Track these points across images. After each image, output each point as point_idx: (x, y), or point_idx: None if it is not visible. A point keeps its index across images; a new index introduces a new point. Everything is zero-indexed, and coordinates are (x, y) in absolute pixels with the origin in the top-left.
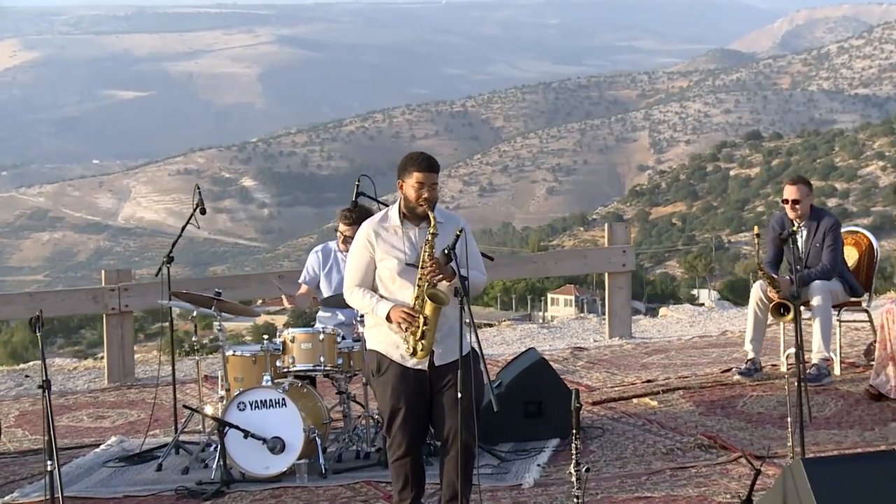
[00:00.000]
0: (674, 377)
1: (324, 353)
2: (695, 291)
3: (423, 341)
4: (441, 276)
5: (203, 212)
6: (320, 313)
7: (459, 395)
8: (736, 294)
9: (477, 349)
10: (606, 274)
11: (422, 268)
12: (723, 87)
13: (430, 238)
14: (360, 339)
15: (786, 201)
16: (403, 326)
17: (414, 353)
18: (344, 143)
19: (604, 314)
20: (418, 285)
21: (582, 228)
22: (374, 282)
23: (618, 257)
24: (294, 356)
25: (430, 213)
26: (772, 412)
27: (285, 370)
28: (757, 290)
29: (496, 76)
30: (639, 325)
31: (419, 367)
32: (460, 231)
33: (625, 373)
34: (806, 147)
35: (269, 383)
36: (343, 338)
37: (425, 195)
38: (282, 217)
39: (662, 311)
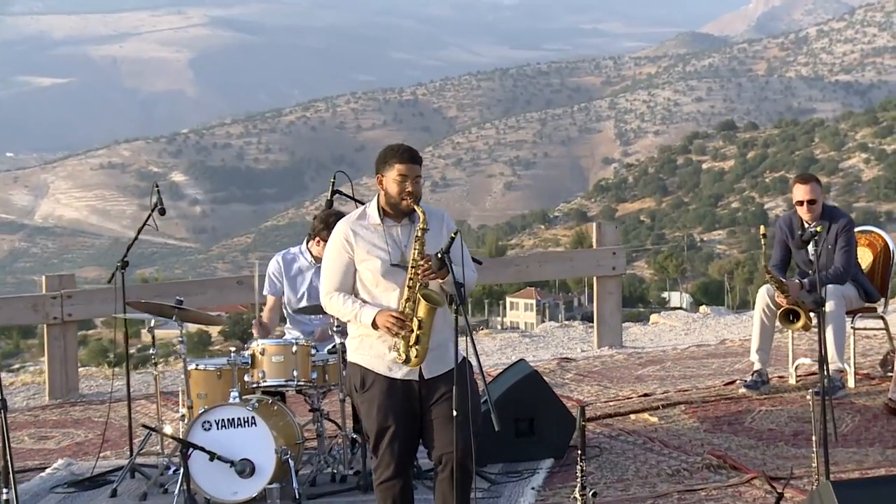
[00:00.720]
0: (673, 391)
1: (297, 366)
2: (665, 294)
3: (417, 347)
4: (434, 274)
5: (162, 212)
6: (288, 323)
7: (455, 410)
8: (710, 297)
9: (475, 360)
10: (595, 279)
11: (413, 266)
12: (694, 73)
13: (419, 234)
14: (335, 350)
15: (800, 203)
16: (393, 332)
17: (407, 361)
18: (283, 134)
19: (579, 320)
20: (409, 286)
21: (543, 227)
22: (355, 286)
23: (607, 260)
24: (264, 370)
25: (416, 207)
26: (784, 429)
27: (255, 385)
28: (763, 296)
29: (448, 61)
30: (629, 334)
31: (408, 378)
32: (455, 233)
33: (618, 386)
34: (784, 138)
35: (237, 400)
36: (316, 349)
37: (409, 189)
38: (216, 215)
39: (654, 317)
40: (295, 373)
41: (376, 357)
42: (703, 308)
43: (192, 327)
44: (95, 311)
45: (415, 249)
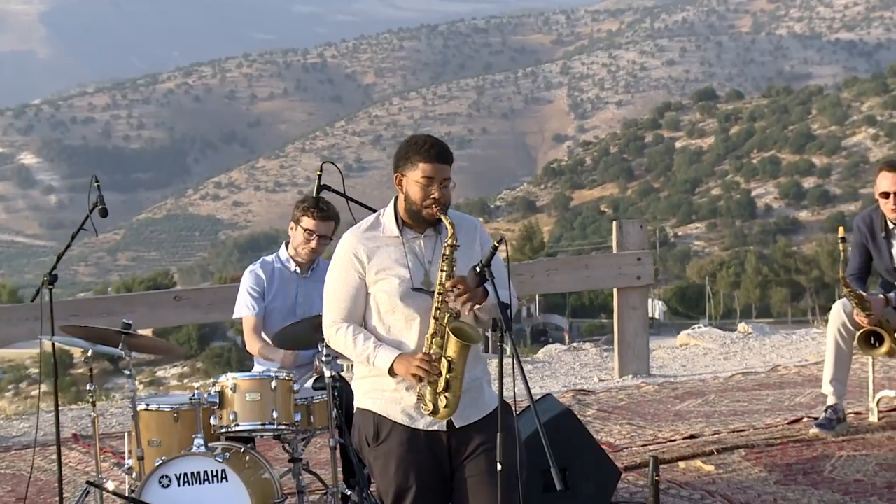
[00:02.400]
0: (725, 431)
1: (277, 406)
2: None
3: (447, 394)
4: (470, 300)
5: (104, 213)
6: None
7: (500, 464)
8: (688, 305)
9: (532, 404)
10: (615, 291)
11: (439, 292)
12: (664, 31)
13: (447, 251)
14: (323, 386)
15: (884, 195)
16: (420, 377)
17: (435, 412)
18: (160, 105)
19: (581, 342)
20: (435, 317)
21: (482, 219)
22: (365, 314)
23: (630, 267)
24: (236, 411)
25: (443, 217)
26: (874, 479)
27: (223, 430)
28: (839, 313)
29: (363, 16)
30: (653, 358)
31: (434, 427)
32: (498, 242)
33: (654, 425)
34: (774, 110)
35: (203, 449)
36: (297, 385)
37: (435, 194)
38: (75, 206)
39: (682, 337)
40: (275, 414)
41: (393, 402)
42: (742, 326)
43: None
44: (8, 336)
45: (441, 272)
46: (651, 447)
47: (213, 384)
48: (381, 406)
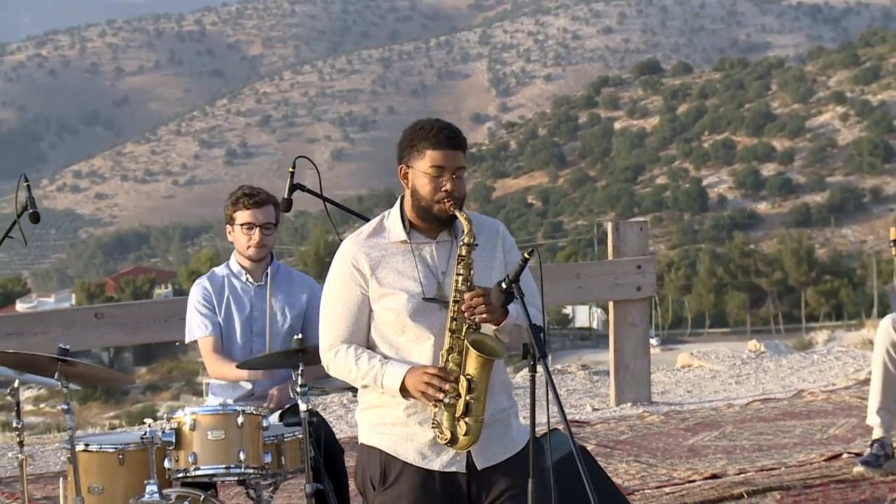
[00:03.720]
0: (752, 470)
1: (244, 445)
2: (568, 310)
3: (467, 419)
4: (488, 312)
5: (36, 219)
6: (213, 381)
7: None
8: None
9: (575, 450)
10: (611, 304)
11: (455, 301)
12: None
13: (463, 251)
14: (297, 421)
15: None
16: (432, 397)
17: (453, 441)
18: (8, 81)
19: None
20: (451, 330)
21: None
22: (369, 335)
23: (629, 276)
24: (196, 452)
25: (458, 213)
26: None
27: (181, 475)
28: (888, 330)
29: None
30: (652, 383)
31: (451, 468)
32: (529, 254)
33: (667, 462)
34: (728, 85)
35: (157, 497)
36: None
37: (447, 186)
38: None
39: (683, 358)
40: (241, 455)
41: (404, 438)
42: (752, 344)
43: None
44: None
45: (457, 275)
46: (668, 489)
47: (168, 419)
48: (389, 443)
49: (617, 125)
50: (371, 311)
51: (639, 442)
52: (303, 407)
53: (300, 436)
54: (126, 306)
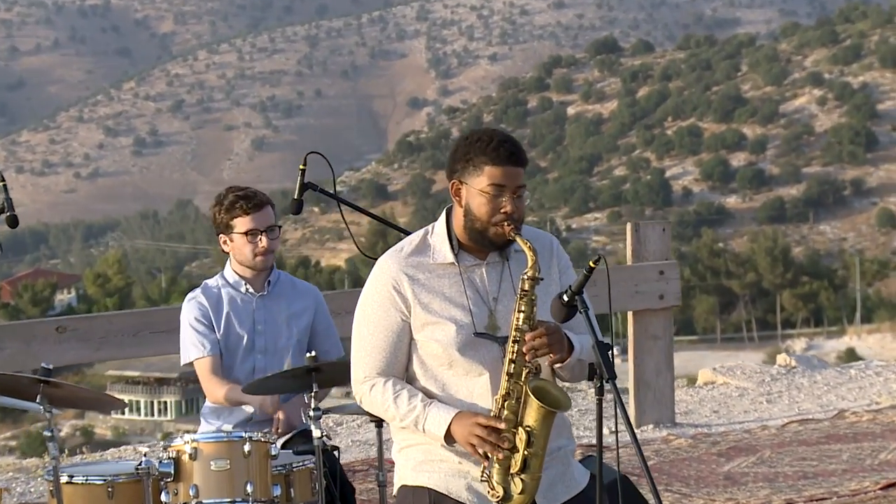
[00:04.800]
0: (801, 500)
1: (251, 476)
2: None
3: (523, 476)
4: (553, 352)
5: (14, 222)
6: (207, 405)
7: None
8: None
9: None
10: (630, 314)
11: (515, 340)
12: None
13: (526, 286)
14: (310, 450)
15: None
16: (482, 451)
17: (506, 499)
18: None
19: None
20: (509, 374)
21: (317, 209)
22: (409, 367)
23: (650, 283)
24: (197, 484)
25: (520, 240)
26: None
27: None
28: None
29: None
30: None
31: None
32: (595, 262)
33: (703, 491)
34: (693, 66)
35: None
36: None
37: (507, 208)
38: None
39: (705, 373)
40: (249, 488)
41: (456, 475)
42: (782, 357)
43: None
44: None
45: (518, 312)
46: None
47: (166, 448)
48: (439, 480)
49: (570, 110)
50: (412, 339)
51: (667, 469)
52: (316, 433)
53: (310, 465)
54: (92, 319)
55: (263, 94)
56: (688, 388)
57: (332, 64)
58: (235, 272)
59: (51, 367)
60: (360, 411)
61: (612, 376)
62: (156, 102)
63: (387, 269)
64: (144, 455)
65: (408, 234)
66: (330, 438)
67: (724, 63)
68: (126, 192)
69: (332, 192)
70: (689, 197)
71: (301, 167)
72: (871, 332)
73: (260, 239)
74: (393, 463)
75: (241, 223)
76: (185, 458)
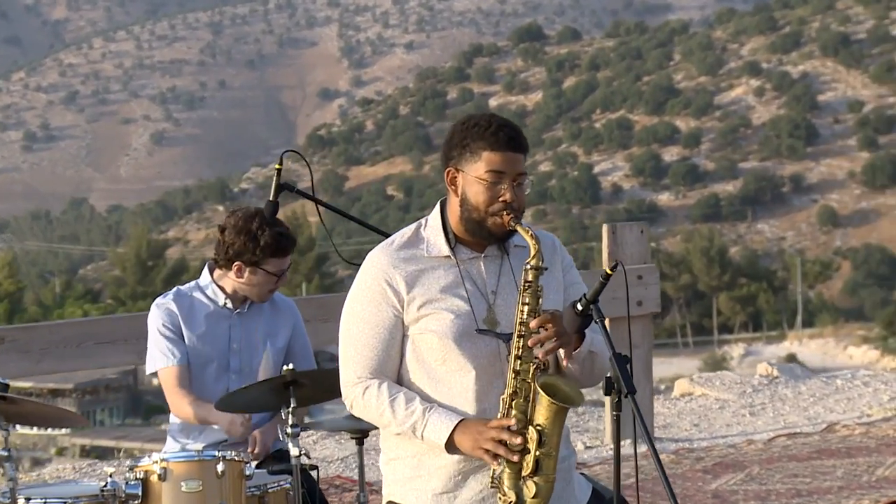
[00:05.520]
0: None
1: (224, 498)
2: None
3: (536, 479)
4: (560, 341)
5: None
6: (172, 422)
7: None
8: None
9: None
10: (607, 321)
11: (520, 334)
12: None
13: (530, 276)
14: (286, 469)
15: None
16: (499, 454)
17: None
18: None
19: None
20: (515, 371)
21: (221, 208)
22: (403, 367)
23: (629, 288)
24: None
25: (520, 230)
26: None
27: None
28: None
29: None
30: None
31: None
32: (613, 267)
33: None
34: (623, 54)
35: None
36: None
37: (506, 196)
38: None
39: (681, 384)
40: None
41: (441, 494)
42: (763, 367)
43: None
44: None
45: (523, 305)
46: None
47: (132, 469)
48: (430, 501)
49: (492, 102)
50: (404, 337)
51: (650, 487)
52: (294, 451)
53: (286, 486)
54: (31, 329)
55: (163, 85)
56: (664, 399)
57: (236, 53)
58: (217, 284)
59: (7, 382)
60: (341, 426)
61: (632, 391)
62: (47, 94)
63: (377, 263)
64: (110, 476)
65: (387, 236)
66: (309, 457)
67: (656, 52)
68: (15, 190)
69: (311, 194)
70: (619, 194)
71: (276, 166)
72: (813, 338)
73: (282, 280)
74: (370, 484)
75: (274, 264)
76: (154, 478)
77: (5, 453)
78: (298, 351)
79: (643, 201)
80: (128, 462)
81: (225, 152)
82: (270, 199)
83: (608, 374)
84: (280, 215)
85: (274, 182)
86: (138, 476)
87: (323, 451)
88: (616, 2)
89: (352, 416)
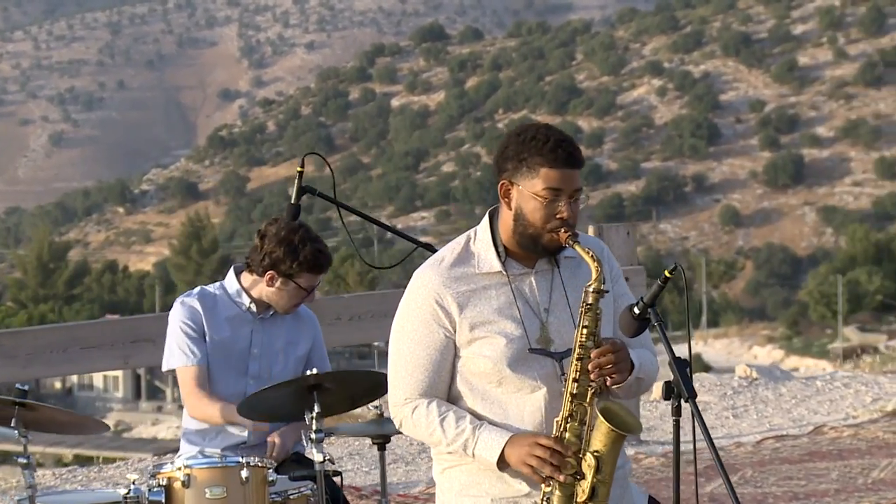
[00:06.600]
0: None
1: (248, 503)
2: None
3: None
4: (619, 372)
5: None
6: (187, 424)
7: None
8: None
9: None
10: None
11: (579, 358)
12: None
13: (590, 300)
14: (309, 475)
15: None
16: (543, 473)
17: None
18: None
19: None
20: (572, 394)
21: (122, 209)
22: (453, 387)
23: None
24: None
25: (580, 250)
26: None
27: None
28: None
29: None
30: None
31: None
32: (672, 270)
33: None
34: (525, 54)
35: None
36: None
37: (563, 213)
38: None
39: (658, 387)
40: None
41: (500, 500)
42: (742, 368)
43: None
44: None
45: (582, 328)
46: None
47: (154, 476)
48: None
49: (395, 102)
50: (456, 357)
51: (662, 485)
52: (318, 458)
53: (307, 492)
54: (18, 334)
55: (62, 86)
56: (645, 402)
57: (135, 53)
58: (243, 287)
59: (27, 387)
60: (364, 432)
61: (693, 395)
62: None
63: (428, 283)
64: (133, 482)
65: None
66: (333, 462)
67: (558, 51)
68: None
69: (333, 196)
70: None
71: (298, 169)
72: (718, 338)
73: (310, 297)
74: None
75: (308, 279)
76: (178, 485)
77: (24, 460)
78: (317, 363)
79: None
80: (150, 468)
81: (124, 153)
82: (292, 202)
83: (668, 380)
84: (176, 218)
85: (296, 185)
86: (161, 483)
87: (345, 456)
88: (517, 1)
89: (373, 422)
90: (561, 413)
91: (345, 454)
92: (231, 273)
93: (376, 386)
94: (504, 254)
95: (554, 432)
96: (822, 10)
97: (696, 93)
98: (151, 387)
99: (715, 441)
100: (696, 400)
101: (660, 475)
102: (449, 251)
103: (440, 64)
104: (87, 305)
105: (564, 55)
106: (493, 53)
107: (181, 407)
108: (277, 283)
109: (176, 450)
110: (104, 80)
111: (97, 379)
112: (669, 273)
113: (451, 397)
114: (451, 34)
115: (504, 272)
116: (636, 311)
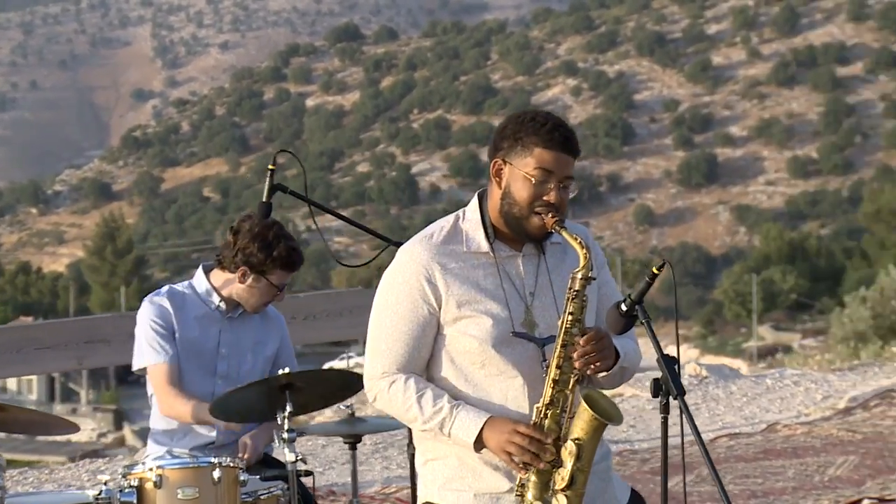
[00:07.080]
0: None
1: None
2: None
3: (567, 493)
4: (604, 360)
5: None
6: (154, 424)
7: None
8: None
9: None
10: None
11: (563, 344)
12: None
13: (577, 286)
14: (281, 475)
15: None
16: (520, 460)
17: None
18: None
19: None
20: (555, 380)
21: (35, 210)
22: (433, 366)
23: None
24: None
25: (566, 234)
26: None
27: None
28: None
29: None
30: None
31: None
32: (660, 267)
33: None
34: (440, 54)
35: None
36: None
37: (551, 197)
38: None
39: None
40: None
41: (484, 494)
42: (691, 367)
43: None
44: None
45: (568, 314)
46: None
47: (125, 476)
48: (468, 501)
49: (309, 102)
50: (438, 335)
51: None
52: (290, 457)
53: (277, 492)
54: None
55: None
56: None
57: (48, 53)
58: (212, 285)
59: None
60: (334, 432)
61: (681, 392)
62: None
63: (417, 257)
64: (105, 483)
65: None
66: (305, 462)
67: (473, 51)
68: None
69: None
70: (438, 195)
71: (270, 167)
72: None
73: (281, 294)
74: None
75: (279, 277)
76: (150, 486)
77: None
78: (284, 362)
79: (462, 202)
80: (120, 469)
81: (37, 154)
82: (264, 199)
83: (656, 377)
84: (90, 219)
85: (267, 183)
86: (132, 484)
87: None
88: (432, 1)
89: (344, 422)
90: (542, 399)
91: (317, 452)
92: (200, 272)
93: (348, 385)
94: (493, 235)
95: (534, 418)
96: (736, 9)
97: (610, 92)
98: (66, 389)
99: (669, 439)
100: (647, 398)
101: (636, 469)
102: (438, 228)
103: (355, 64)
104: (0, 307)
105: (479, 55)
106: (408, 53)
107: (95, 409)
108: (249, 280)
109: (93, 452)
110: (16, 81)
111: (10, 381)
112: (658, 269)
113: (433, 377)
114: (366, 34)
115: (492, 253)
116: (623, 308)
